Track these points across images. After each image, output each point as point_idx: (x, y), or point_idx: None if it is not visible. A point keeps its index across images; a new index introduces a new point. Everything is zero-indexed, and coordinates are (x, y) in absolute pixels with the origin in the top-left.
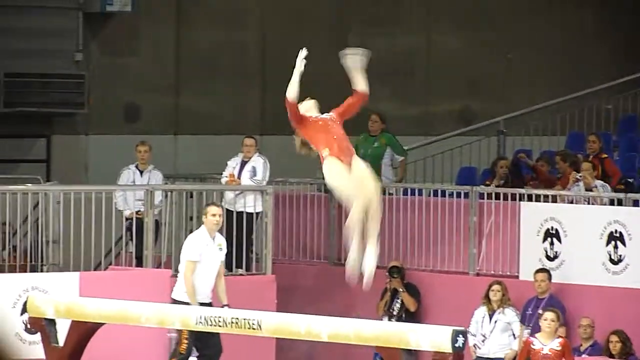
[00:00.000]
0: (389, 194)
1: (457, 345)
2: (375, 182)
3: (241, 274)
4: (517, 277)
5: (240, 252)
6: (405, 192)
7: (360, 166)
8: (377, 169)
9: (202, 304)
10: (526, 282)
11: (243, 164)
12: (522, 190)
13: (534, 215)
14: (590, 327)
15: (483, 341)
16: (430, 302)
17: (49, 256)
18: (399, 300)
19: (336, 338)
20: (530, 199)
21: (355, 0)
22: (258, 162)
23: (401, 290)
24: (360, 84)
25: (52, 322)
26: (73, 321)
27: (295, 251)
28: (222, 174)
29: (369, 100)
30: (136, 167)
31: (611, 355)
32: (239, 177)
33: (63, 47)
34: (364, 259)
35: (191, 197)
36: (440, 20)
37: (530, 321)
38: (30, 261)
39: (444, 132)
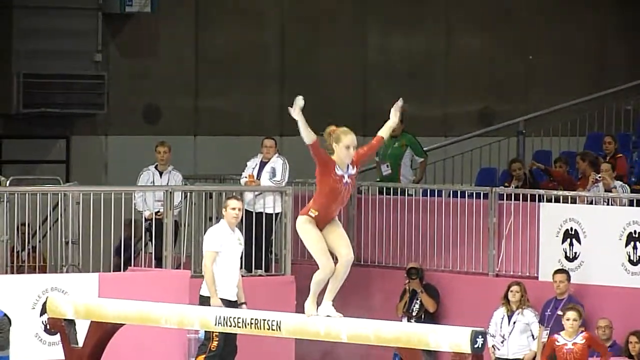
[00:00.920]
0: (408, 194)
1: (476, 346)
2: (348, 249)
3: (260, 275)
4: (537, 278)
5: (259, 253)
6: (424, 193)
7: (337, 231)
8: (396, 169)
9: (227, 301)
10: (545, 283)
11: (262, 164)
12: (542, 191)
13: (553, 216)
14: (609, 328)
15: (502, 342)
16: (449, 303)
17: (69, 257)
18: (418, 301)
19: (356, 339)
20: (549, 200)
21: (374, 1)
22: (277, 162)
23: (420, 291)
24: (386, 132)
25: (71, 322)
26: (92, 322)
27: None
28: (241, 174)
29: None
30: (155, 167)
31: (630, 356)
32: (258, 178)
33: (82, 48)
34: (320, 308)
35: (210, 197)
36: (460, 21)
37: (549, 322)
38: (50, 262)
39: (464, 133)
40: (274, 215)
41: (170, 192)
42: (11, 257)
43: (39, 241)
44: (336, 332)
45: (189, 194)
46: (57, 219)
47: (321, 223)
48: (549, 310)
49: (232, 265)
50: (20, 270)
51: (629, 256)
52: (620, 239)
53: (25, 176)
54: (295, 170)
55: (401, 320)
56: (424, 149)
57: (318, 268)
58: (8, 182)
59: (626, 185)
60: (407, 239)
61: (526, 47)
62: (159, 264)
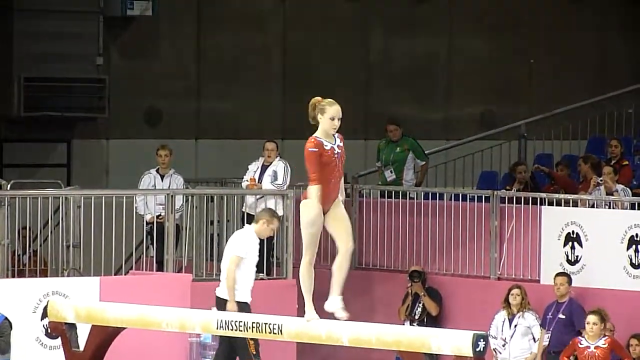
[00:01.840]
0: (410, 198)
1: (478, 349)
2: (348, 237)
3: (262, 279)
4: (538, 281)
5: (261, 257)
6: (426, 196)
7: (339, 217)
8: (401, 174)
9: (244, 304)
10: (547, 286)
11: (264, 168)
12: (543, 195)
13: (555, 219)
14: (610, 332)
15: (503, 345)
16: (451, 306)
17: (70, 260)
18: (420, 305)
19: (357, 342)
20: (551, 203)
21: (377, 4)
22: (279, 166)
23: (423, 294)
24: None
25: (72, 326)
26: (93, 326)
27: (316, 255)
28: (243, 178)
29: (388, 104)
30: (157, 171)
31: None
32: (259, 181)
33: (84, 51)
34: (327, 303)
35: (212, 201)
36: (461, 23)
37: (550, 325)
38: (51, 266)
39: (465, 136)
40: None
41: (172, 196)
42: (12, 260)
43: (40, 245)
44: (337, 335)
45: (190, 197)
46: (58, 223)
47: (325, 201)
48: (550, 314)
49: (251, 272)
50: (21, 274)
51: (631, 259)
52: (622, 243)
53: (26, 180)
54: (297, 173)
55: (403, 324)
56: (426, 152)
57: (319, 272)
58: (9, 186)
59: (628, 189)
60: (409, 242)
61: (528, 50)
62: (160, 268)
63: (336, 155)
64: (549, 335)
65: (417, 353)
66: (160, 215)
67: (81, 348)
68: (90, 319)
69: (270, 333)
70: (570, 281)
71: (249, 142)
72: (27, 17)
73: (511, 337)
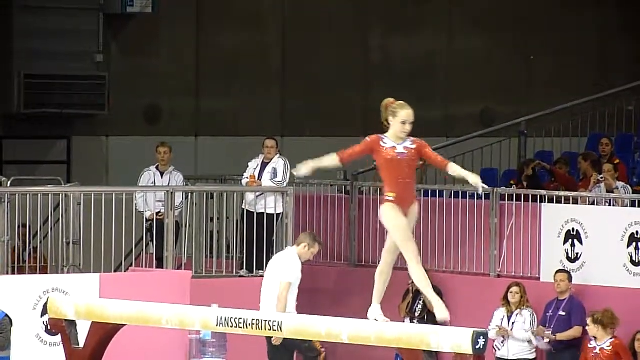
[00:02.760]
0: None
1: (477, 347)
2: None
3: (262, 276)
4: (538, 278)
5: (260, 254)
6: (426, 194)
7: (413, 218)
8: None
9: None
10: (547, 283)
11: (264, 165)
12: (543, 192)
13: (555, 216)
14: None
15: (502, 342)
16: (451, 303)
17: (70, 257)
18: (421, 302)
19: (357, 339)
20: (551, 200)
21: (376, 2)
22: (279, 163)
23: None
24: (452, 169)
25: (72, 323)
26: (93, 323)
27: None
28: (242, 175)
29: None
30: (157, 168)
31: (635, 355)
32: (259, 179)
33: (83, 48)
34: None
35: (212, 198)
36: (461, 21)
37: (551, 323)
38: (51, 262)
39: (465, 133)
40: (275, 216)
41: (172, 193)
42: (12, 257)
43: (40, 242)
44: (337, 332)
45: (190, 194)
46: (58, 220)
47: (403, 204)
48: (550, 311)
49: (296, 293)
50: (21, 271)
51: (631, 257)
52: (622, 240)
53: (26, 177)
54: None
55: (403, 321)
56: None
57: (319, 270)
58: (9, 183)
59: (628, 186)
60: None
61: (527, 47)
62: (160, 265)
63: (399, 155)
64: (550, 332)
65: (416, 350)
66: (160, 212)
67: (81, 345)
68: (90, 315)
69: (270, 330)
70: (570, 278)
71: (249, 140)
72: (27, 14)
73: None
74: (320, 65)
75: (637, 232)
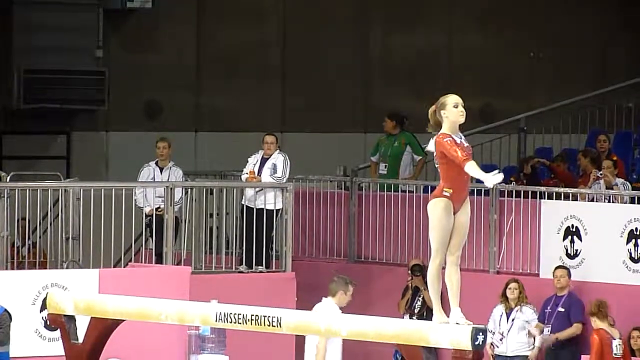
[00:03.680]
0: (409, 191)
1: (477, 343)
2: (458, 247)
3: (261, 272)
4: (538, 275)
5: (260, 250)
6: (425, 190)
7: (460, 222)
8: (396, 168)
9: None
10: (546, 280)
11: (263, 160)
12: (543, 189)
13: (554, 213)
14: (610, 325)
15: (501, 339)
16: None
17: (69, 253)
18: (420, 299)
19: (356, 336)
20: (550, 197)
21: None
22: (278, 159)
23: (423, 288)
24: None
25: (71, 318)
26: (92, 318)
27: (315, 248)
28: (242, 170)
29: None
30: (156, 163)
31: (633, 351)
32: (259, 174)
33: (83, 43)
34: (450, 316)
35: (211, 194)
36: (462, 18)
37: (550, 319)
38: (50, 258)
39: (465, 129)
40: (274, 212)
41: (171, 188)
42: (11, 252)
43: (40, 237)
44: (336, 328)
45: (189, 190)
46: (58, 215)
47: (456, 201)
48: (549, 307)
49: (340, 343)
50: (20, 266)
51: (630, 253)
52: (622, 236)
53: (25, 172)
54: (296, 166)
55: (403, 318)
56: (424, 146)
57: (318, 265)
58: (8, 178)
59: (627, 183)
60: (408, 235)
61: (527, 44)
62: (159, 260)
63: (466, 148)
64: (549, 328)
65: (415, 347)
66: (159, 207)
67: (80, 340)
68: (89, 311)
69: (269, 326)
70: (569, 274)
71: (249, 135)
72: (27, 9)
73: (508, 331)
74: (321, 61)
75: (636, 229)
